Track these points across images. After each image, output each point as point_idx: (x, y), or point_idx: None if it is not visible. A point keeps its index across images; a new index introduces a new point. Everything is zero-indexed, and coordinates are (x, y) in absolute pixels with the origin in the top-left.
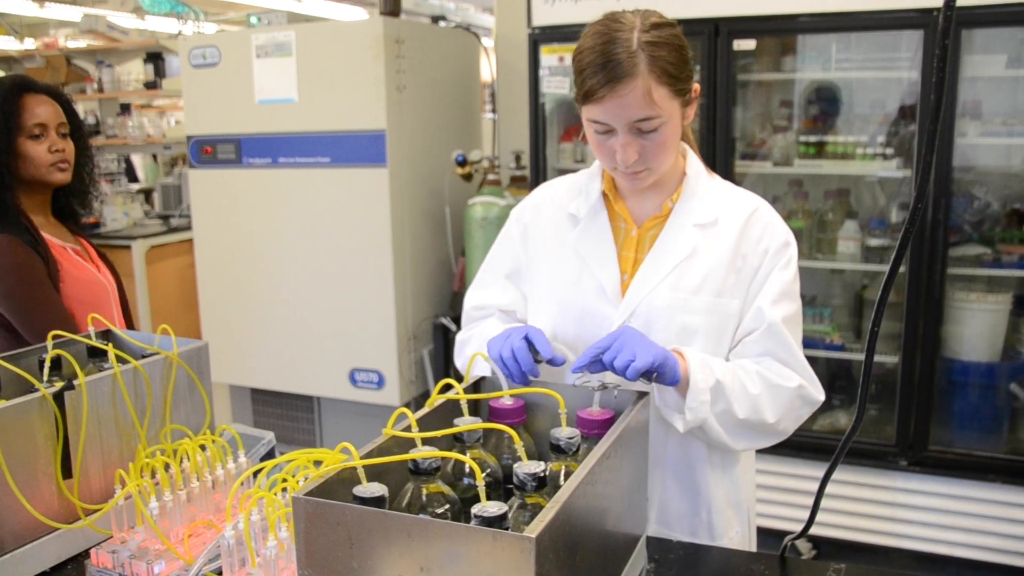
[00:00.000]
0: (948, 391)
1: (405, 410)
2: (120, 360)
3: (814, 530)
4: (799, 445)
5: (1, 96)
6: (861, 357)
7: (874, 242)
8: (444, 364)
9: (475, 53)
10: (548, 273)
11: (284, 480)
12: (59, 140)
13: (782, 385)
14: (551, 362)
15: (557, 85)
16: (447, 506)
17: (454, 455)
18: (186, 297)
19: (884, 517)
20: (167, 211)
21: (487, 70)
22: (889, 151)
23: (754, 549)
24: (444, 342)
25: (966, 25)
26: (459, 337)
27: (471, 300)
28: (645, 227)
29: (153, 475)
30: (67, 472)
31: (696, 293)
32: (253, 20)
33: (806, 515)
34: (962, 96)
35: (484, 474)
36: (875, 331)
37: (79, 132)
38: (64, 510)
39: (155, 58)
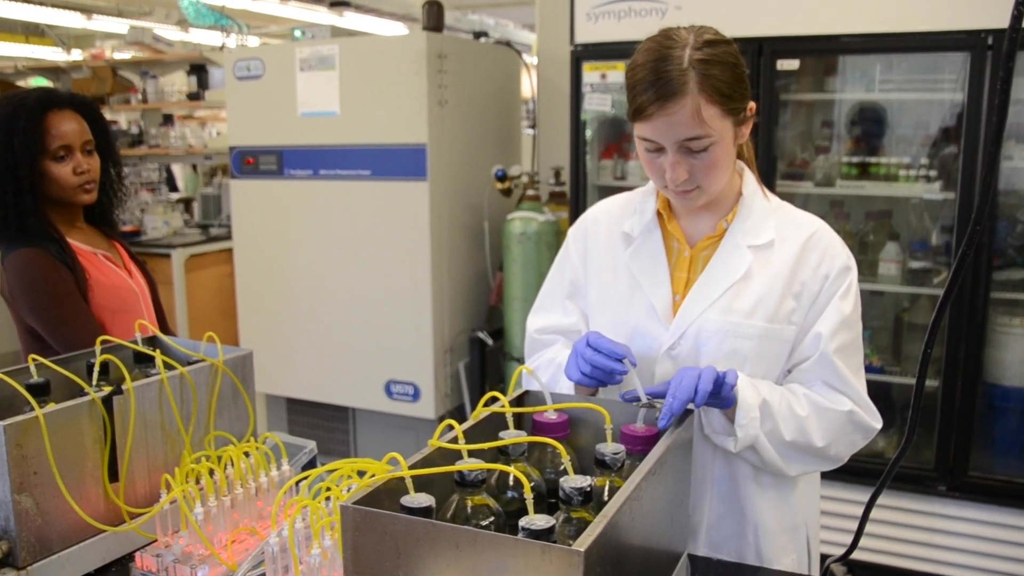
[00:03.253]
0: (989, 416)
1: (452, 422)
2: (166, 366)
3: (837, 551)
4: (837, 468)
5: (24, 117)
6: (901, 380)
7: (916, 264)
8: (480, 378)
9: (516, 69)
10: (601, 292)
11: (328, 489)
12: (84, 160)
13: (832, 408)
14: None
15: (599, 102)
16: (492, 518)
17: (503, 467)
18: (224, 306)
19: (921, 543)
20: (206, 220)
21: (527, 86)
22: (932, 173)
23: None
24: (480, 356)
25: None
26: (528, 366)
27: (533, 324)
28: (699, 247)
29: (198, 481)
30: (113, 476)
31: (748, 317)
32: (297, 34)
33: (843, 538)
34: (1009, 119)
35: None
36: (928, 352)
37: (107, 146)
38: (109, 513)
39: (198, 70)
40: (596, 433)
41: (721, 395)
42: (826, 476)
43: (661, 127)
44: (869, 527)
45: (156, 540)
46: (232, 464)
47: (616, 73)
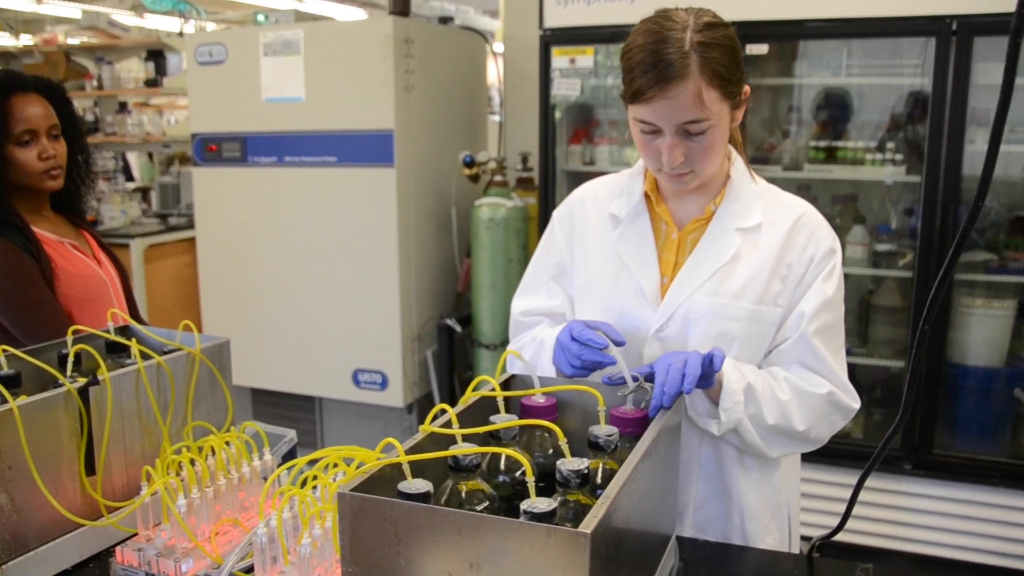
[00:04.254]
0: (953, 396)
1: (445, 406)
2: (142, 356)
3: (815, 532)
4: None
5: None
6: (867, 362)
7: (881, 247)
8: (448, 365)
9: (482, 54)
10: (588, 273)
11: (315, 477)
12: (50, 144)
13: (811, 392)
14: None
15: (568, 87)
16: (486, 503)
17: (504, 450)
18: (185, 296)
19: (888, 520)
20: (165, 210)
21: (492, 72)
22: (898, 157)
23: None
24: (448, 343)
25: (978, 33)
26: (512, 347)
27: (518, 306)
28: (687, 230)
29: (179, 472)
30: (90, 469)
31: (736, 299)
32: (260, 18)
33: (816, 518)
34: (970, 103)
35: (519, 472)
36: (925, 329)
37: (74, 129)
38: (86, 507)
39: (155, 56)
40: (584, 416)
41: (709, 375)
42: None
43: (661, 110)
44: (836, 506)
45: (136, 534)
46: (213, 454)
47: (585, 58)
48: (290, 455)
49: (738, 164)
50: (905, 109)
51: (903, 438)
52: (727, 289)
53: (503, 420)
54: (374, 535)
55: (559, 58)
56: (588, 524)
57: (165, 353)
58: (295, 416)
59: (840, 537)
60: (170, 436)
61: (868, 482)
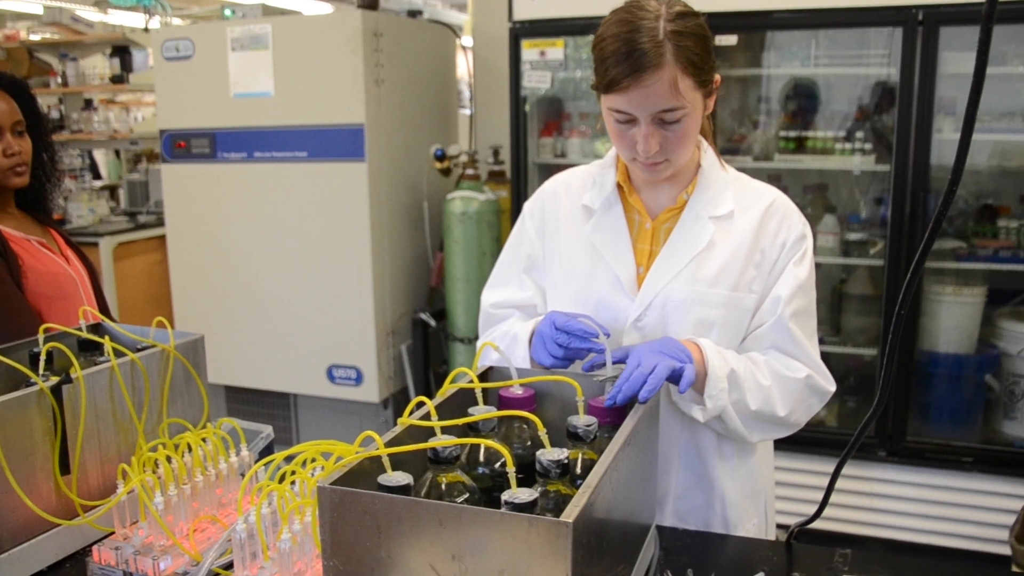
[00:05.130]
0: (925, 383)
1: (424, 399)
2: (115, 353)
3: (790, 521)
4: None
5: None
6: (839, 350)
7: (852, 236)
8: (423, 360)
9: (451, 48)
10: (562, 265)
11: (293, 472)
12: (14, 141)
13: (790, 377)
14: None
15: (538, 79)
16: (466, 495)
17: (485, 442)
18: (155, 294)
19: (862, 507)
20: (134, 208)
21: (461, 66)
22: (867, 146)
23: (772, 538)
24: (423, 337)
25: (943, 23)
26: (481, 342)
27: (488, 299)
28: (660, 219)
29: (155, 469)
30: (64, 468)
31: (713, 286)
32: (227, 13)
33: (796, 507)
34: (938, 92)
35: (498, 464)
36: (901, 314)
37: (39, 127)
38: (62, 507)
39: (121, 52)
40: (562, 407)
41: (678, 382)
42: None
43: (637, 99)
44: (811, 494)
45: (113, 532)
46: (189, 451)
47: (555, 50)
48: (267, 451)
49: (708, 153)
50: (873, 99)
51: (877, 426)
52: (703, 276)
53: (482, 412)
54: (355, 528)
55: (529, 50)
56: (569, 513)
57: (139, 350)
58: (270, 413)
59: (815, 524)
60: (145, 434)
61: (843, 469)
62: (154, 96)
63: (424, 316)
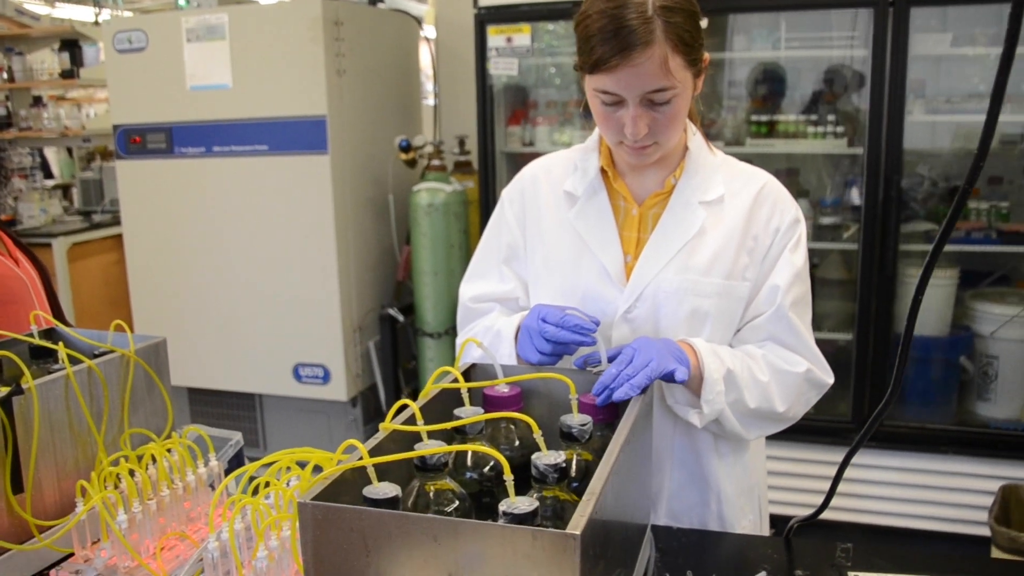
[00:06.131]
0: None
1: (408, 401)
2: (71, 360)
3: (773, 511)
4: None
5: None
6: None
7: (825, 220)
8: (392, 356)
9: (413, 37)
10: (545, 255)
11: (267, 484)
12: None
13: (789, 371)
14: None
15: (505, 66)
16: (456, 503)
17: (479, 448)
18: (113, 295)
19: (839, 493)
20: (88, 207)
21: (424, 55)
22: (839, 129)
23: (767, 534)
24: (391, 333)
25: (914, 4)
26: (459, 339)
27: (467, 292)
28: (646, 205)
29: (117, 485)
30: (17, 486)
31: (706, 274)
32: (181, 3)
33: (772, 495)
34: (908, 75)
35: (487, 467)
36: (918, 299)
37: None
38: (15, 528)
39: (70, 46)
40: (550, 404)
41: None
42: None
43: (625, 79)
44: (789, 481)
45: (72, 555)
46: (154, 463)
47: (522, 36)
48: (237, 459)
49: (696, 136)
50: (844, 82)
51: (853, 410)
52: (695, 265)
53: (469, 413)
54: (341, 547)
55: (495, 37)
56: (576, 524)
57: (96, 356)
58: (235, 415)
59: (791, 511)
60: (106, 446)
61: (819, 456)
62: (107, 92)
63: (392, 311)
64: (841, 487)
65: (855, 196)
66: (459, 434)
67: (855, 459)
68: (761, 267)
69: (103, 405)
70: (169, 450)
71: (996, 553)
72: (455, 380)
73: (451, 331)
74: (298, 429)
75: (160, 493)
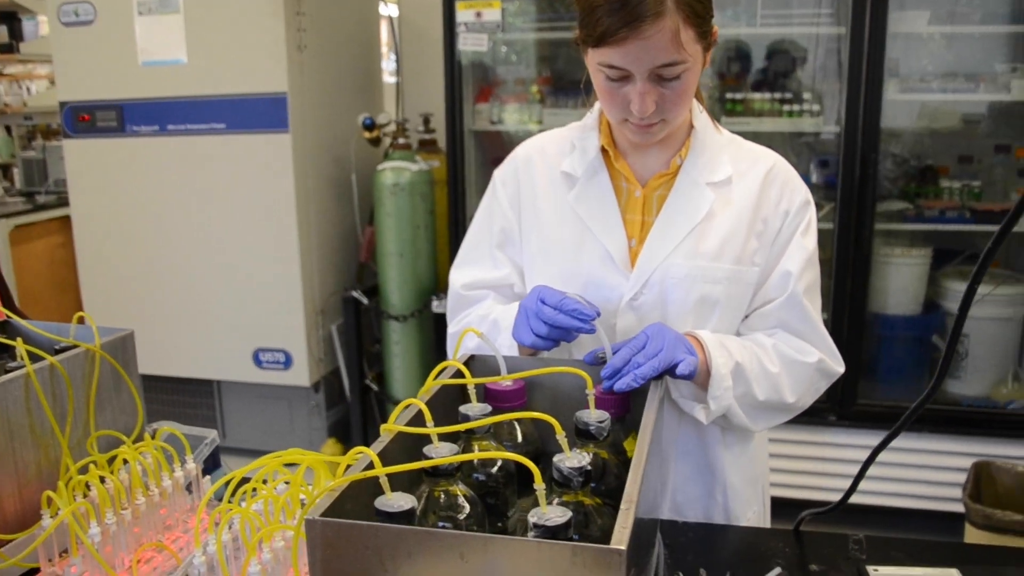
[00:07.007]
0: (874, 345)
1: (415, 400)
2: (31, 357)
3: None
4: None
5: None
6: None
7: None
8: (356, 339)
9: (375, 12)
10: (542, 239)
11: (255, 491)
12: None
13: (801, 361)
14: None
15: (474, 42)
16: (469, 509)
17: (506, 455)
18: (60, 279)
19: (815, 472)
20: (31, 187)
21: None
22: (815, 108)
23: (768, 525)
24: (355, 316)
25: None
26: (452, 329)
27: (459, 279)
28: (650, 186)
29: (86, 493)
30: None
31: (716, 260)
32: None
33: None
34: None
35: (494, 468)
36: (973, 288)
37: None
38: None
39: (8, 19)
40: (554, 397)
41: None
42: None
43: (634, 52)
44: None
45: (38, 570)
46: (126, 466)
47: (492, 11)
48: (212, 458)
49: (702, 114)
50: (822, 59)
51: (827, 390)
52: (704, 250)
53: (477, 411)
54: (354, 567)
55: (464, 12)
56: (620, 538)
57: (58, 352)
58: (192, 402)
59: (771, 491)
60: (71, 450)
61: (795, 436)
62: (49, 68)
63: (355, 294)
64: (813, 466)
65: (831, 175)
66: (465, 432)
67: (830, 438)
68: (771, 251)
69: (67, 405)
70: (142, 453)
71: (970, 529)
72: (458, 373)
73: (416, 314)
74: (259, 416)
75: (135, 501)
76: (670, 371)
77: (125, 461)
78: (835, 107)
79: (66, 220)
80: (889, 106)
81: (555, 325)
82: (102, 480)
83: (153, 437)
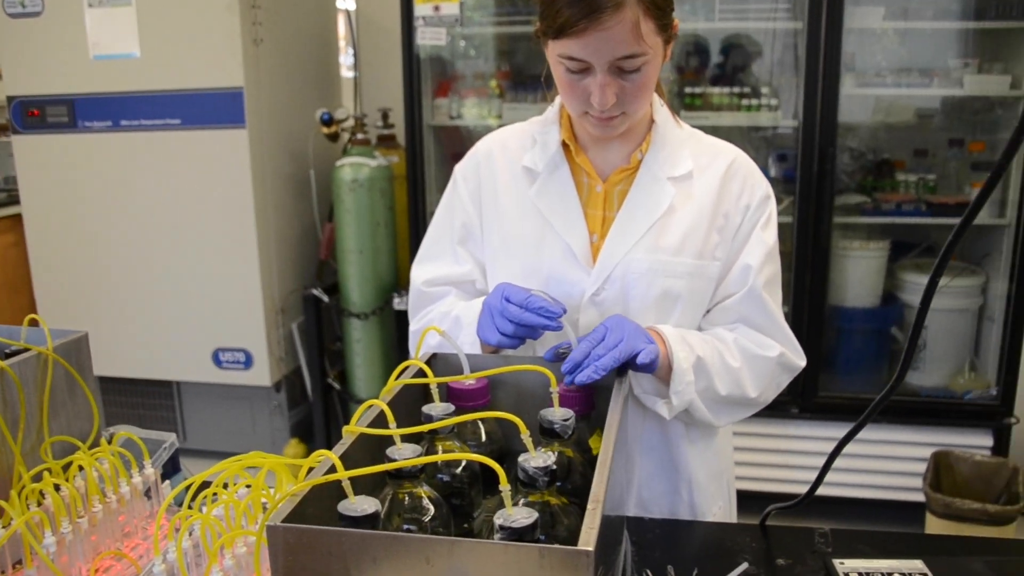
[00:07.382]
0: (834, 337)
1: (377, 401)
2: None
3: None
4: None
5: None
6: None
7: None
8: (317, 338)
9: (331, 5)
10: (504, 235)
11: (215, 496)
12: None
13: (762, 355)
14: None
15: (432, 36)
16: (434, 511)
17: (475, 457)
18: (10, 280)
19: (777, 465)
20: None
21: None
22: (773, 102)
23: (735, 518)
24: (316, 314)
25: None
26: (414, 327)
27: (420, 276)
28: (611, 181)
29: (40, 502)
30: None
31: (677, 254)
32: None
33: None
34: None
35: (458, 468)
36: (935, 282)
37: None
38: None
39: None
40: (518, 394)
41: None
42: None
43: (594, 44)
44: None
45: None
46: (81, 472)
47: (450, 5)
48: (172, 462)
49: (661, 108)
50: (779, 54)
51: (789, 383)
52: (666, 244)
53: (440, 411)
54: (318, 572)
55: (422, 6)
56: (587, 539)
57: (8, 356)
58: (151, 404)
59: (737, 485)
60: (24, 457)
61: (758, 429)
62: None
63: (316, 292)
64: (776, 459)
65: (789, 169)
66: (428, 433)
67: (792, 431)
68: (731, 246)
69: (19, 411)
70: (98, 459)
71: (931, 518)
72: (420, 373)
73: (378, 311)
74: (219, 417)
75: (91, 509)
76: (631, 362)
77: (81, 468)
78: (792, 101)
79: (17, 219)
80: (845, 100)
81: (521, 323)
82: (57, 488)
83: (110, 442)
